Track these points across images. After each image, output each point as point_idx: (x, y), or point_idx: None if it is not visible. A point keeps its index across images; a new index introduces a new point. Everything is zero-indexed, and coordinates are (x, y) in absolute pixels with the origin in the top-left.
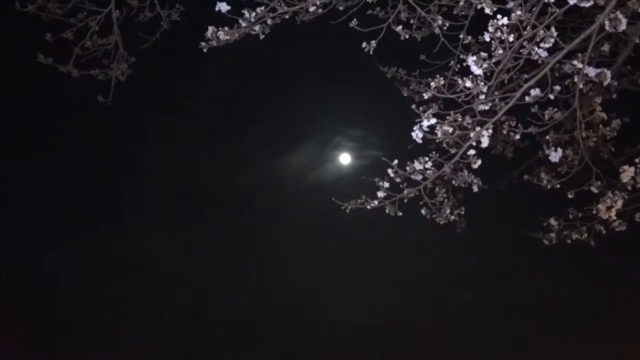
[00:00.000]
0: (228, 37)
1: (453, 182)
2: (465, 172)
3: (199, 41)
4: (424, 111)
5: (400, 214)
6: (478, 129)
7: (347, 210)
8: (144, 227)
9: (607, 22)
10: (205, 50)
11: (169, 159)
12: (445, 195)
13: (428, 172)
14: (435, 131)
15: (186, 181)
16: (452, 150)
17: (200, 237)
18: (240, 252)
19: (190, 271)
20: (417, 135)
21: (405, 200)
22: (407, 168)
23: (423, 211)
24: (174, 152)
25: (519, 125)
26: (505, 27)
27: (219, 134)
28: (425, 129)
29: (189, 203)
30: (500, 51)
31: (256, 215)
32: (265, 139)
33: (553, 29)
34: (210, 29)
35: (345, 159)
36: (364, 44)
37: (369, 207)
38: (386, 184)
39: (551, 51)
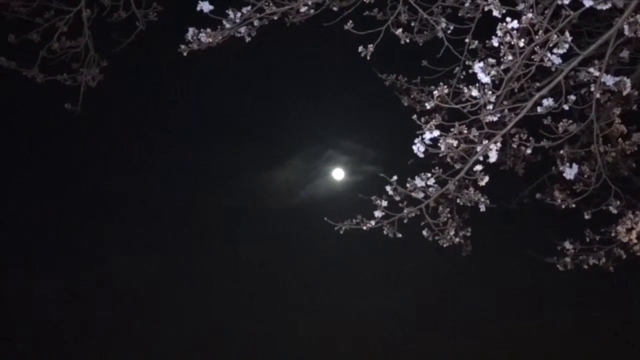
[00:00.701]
0: (210, 40)
1: (458, 200)
2: (472, 189)
3: (178, 44)
4: (426, 122)
5: (400, 235)
6: (485, 142)
7: (341, 232)
8: (117, 249)
9: (626, 27)
10: (185, 53)
11: (143, 174)
12: (449, 215)
13: (430, 189)
14: (439, 144)
15: (161, 200)
16: (457, 166)
17: (178, 261)
18: (222, 278)
19: (170, 296)
20: (418, 148)
21: (405, 221)
22: (408, 185)
23: (425, 232)
24: (147, 167)
25: (531, 138)
26: (515, 31)
27: (197, 147)
28: (427, 142)
29: (165, 224)
30: (510, 57)
31: (239, 237)
32: (250, 152)
33: (567, 34)
34: (191, 30)
35: (338, 174)
36: (360, 48)
37: (365, 227)
38: (384, 203)
39: (565, 57)
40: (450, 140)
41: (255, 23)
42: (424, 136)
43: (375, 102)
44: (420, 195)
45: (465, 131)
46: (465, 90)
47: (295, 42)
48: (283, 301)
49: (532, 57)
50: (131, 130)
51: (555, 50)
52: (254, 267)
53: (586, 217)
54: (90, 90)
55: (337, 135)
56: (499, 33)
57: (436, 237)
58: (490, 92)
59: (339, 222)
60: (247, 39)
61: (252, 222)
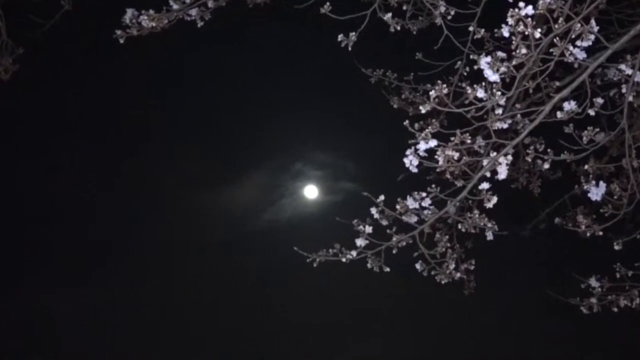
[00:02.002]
0: (154, 24)
1: (459, 226)
2: (476, 213)
3: (114, 28)
4: (421, 129)
5: (388, 269)
6: (493, 154)
7: (315, 264)
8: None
9: None
10: (122, 40)
11: (62, 189)
12: (448, 244)
13: (425, 212)
14: (436, 157)
15: (82, 224)
16: (459, 183)
17: (113, 302)
18: (162, 324)
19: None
20: (411, 162)
21: (395, 251)
22: (398, 207)
23: (418, 266)
24: (71, 181)
25: (548, 150)
26: (530, 19)
27: (129, 157)
28: (422, 153)
29: (91, 255)
30: (524, 50)
31: (186, 269)
32: (198, 165)
33: (593, 22)
34: (130, 12)
35: (310, 192)
36: (340, 37)
37: (344, 259)
38: (368, 229)
39: (591, 51)
40: (450, 152)
41: (210, 4)
42: (417, 146)
43: (357, 104)
44: (413, 219)
45: (469, 141)
46: (469, 90)
47: (260, 31)
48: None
49: (551, 50)
50: (53, 137)
51: (578, 43)
52: (199, 315)
53: (616, 247)
54: (1, 84)
55: (308, 144)
56: (511, 21)
57: (432, 272)
58: (499, 93)
59: (312, 253)
60: (200, 24)
61: (197, 254)
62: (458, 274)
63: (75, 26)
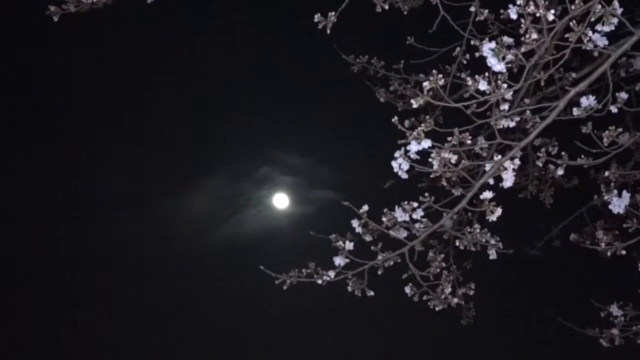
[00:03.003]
0: None
1: (457, 243)
2: (477, 227)
3: (47, 4)
4: (412, 127)
5: (372, 293)
6: (498, 157)
7: (285, 287)
8: None
9: None
10: (55, 18)
11: None
12: (444, 263)
13: (417, 225)
14: (430, 160)
15: (22, 234)
16: (457, 192)
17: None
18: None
19: None
20: (400, 166)
21: (380, 272)
22: (384, 219)
23: (408, 290)
24: (8, 188)
25: (563, 153)
26: None
27: (64, 163)
28: (413, 156)
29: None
30: (534, 36)
31: (127, 293)
32: (145, 172)
33: (616, 4)
34: None
35: (280, 202)
36: (316, 17)
37: (320, 281)
38: (349, 245)
39: (614, 38)
40: (446, 155)
41: None
42: (408, 148)
43: (335, 97)
44: (403, 234)
45: (469, 141)
46: (469, 82)
47: (219, 10)
48: None
49: (566, 35)
50: None
51: (599, 27)
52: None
53: None
54: None
55: (276, 145)
56: (519, 1)
57: (424, 297)
58: (505, 86)
59: (282, 274)
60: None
61: (140, 276)
62: (455, 300)
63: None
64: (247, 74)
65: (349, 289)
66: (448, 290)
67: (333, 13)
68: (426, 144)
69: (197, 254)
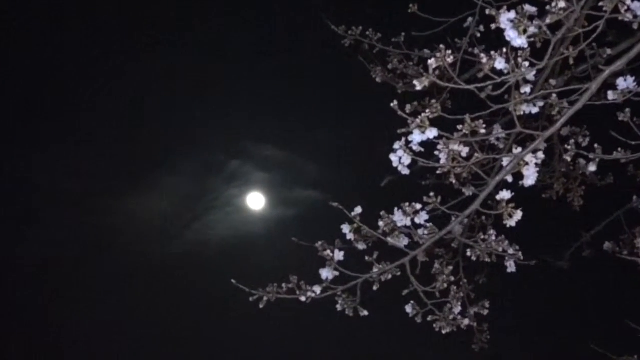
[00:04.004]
0: None
1: (468, 252)
2: (492, 233)
3: None
4: (415, 114)
5: (366, 313)
6: (517, 150)
7: (261, 304)
8: None
9: None
10: None
11: None
12: (452, 277)
13: (421, 232)
14: (436, 153)
15: None
16: (468, 192)
17: None
18: None
19: None
20: (400, 159)
21: (376, 287)
22: (381, 224)
23: (410, 309)
24: None
25: (595, 145)
26: None
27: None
28: (416, 147)
29: None
30: (562, 4)
31: (77, 310)
32: (89, 166)
33: None
34: None
35: (255, 202)
36: None
37: (304, 298)
38: (339, 255)
39: None
40: (456, 146)
41: None
42: (410, 138)
43: (321, 77)
44: (403, 242)
45: (483, 131)
46: (484, 59)
47: None
48: None
49: (600, 4)
50: None
51: None
52: None
53: None
54: None
55: (249, 135)
56: None
57: (429, 317)
58: (526, 64)
59: (258, 289)
60: None
61: (89, 288)
62: (466, 321)
63: None
64: (214, 51)
65: (339, 307)
66: (457, 309)
67: None
68: (431, 133)
69: (153, 265)
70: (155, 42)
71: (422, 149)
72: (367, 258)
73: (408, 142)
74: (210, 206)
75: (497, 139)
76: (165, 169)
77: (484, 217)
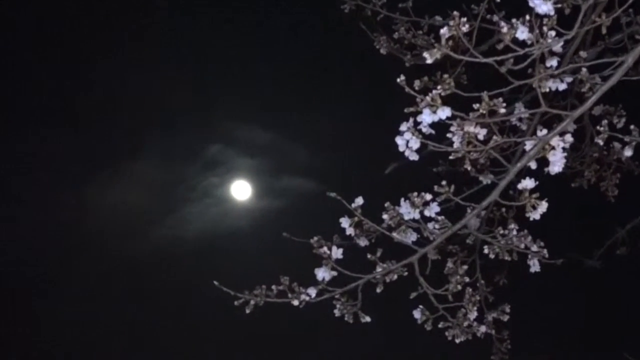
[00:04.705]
0: None
1: (485, 250)
2: (513, 227)
3: None
4: (425, 90)
5: (368, 319)
6: (542, 132)
7: (248, 309)
8: None
9: None
10: None
11: None
12: (467, 278)
13: (431, 226)
14: (450, 135)
15: None
16: (485, 180)
17: None
18: None
19: None
20: (407, 144)
21: (380, 290)
22: (385, 217)
23: (418, 314)
24: None
25: (632, 127)
26: None
27: None
28: (426, 129)
29: None
30: None
31: (24, 317)
32: (49, 152)
33: None
34: None
35: (239, 192)
36: None
37: (297, 302)
38: (337, 252)
39: None
40: (472, 128)
41: None
42: (419, 118)
43: (314, 48)
44: (411, 237)
45: (503, 110)
46: (504, 28)
47: None
48: None
49: None
50: None
51: None
52: None
53: None
54: None
55: (232, 115)
56: None
57: (441, 324)
58: (552, 34)
59: (244, 291)
60: None
61: (49, 290)
62: (483, 328)
63: None
64: (191, 18)
65: (337, 312)
66: (473, 315)
67: None
68: (444, 113)
69: (119, 267)
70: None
71: (433, 131)
72: (369, 256)
73: (417, 123)
74: (186, 197)
75: (519, 120)
76: (133, 155)
77: (503, 209)
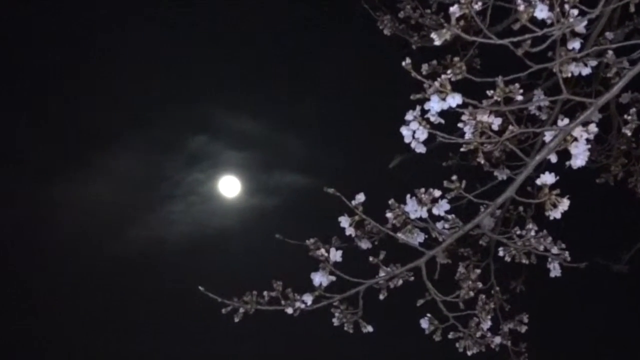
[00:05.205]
0: None
1: (500, 252)
2: (532, 228)
3: None
4: (433, 76)
5: (370, 329)
6: (563, 122)
7: (237, 318)
8: None
9: None
10: None
11: None
12: (480, 284)
13: (440, 225)
14: (461, 125)
15: None
16: (501, 175)
17: None
18: None
19: None
20: (414, 134)
21: (383, 296)
22: (389, 215)
23: (425, 323)
24: None
25: None
26: None
27: None
28: (434, 118)
29: None
30: None
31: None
32: (10, 145)
33: None
34: None
35: (228, 188)
36: None
37: (291, 310)
38: (335, 255)
39: None
40: (485, 117)
41: None
42: (427, 106)
43: (309, 30)
44: (418, 238)
45: (520, 97)
46: (521, 6)
47: None
48: None
49: None
50: None
51: None
52: None
53: None
54: None
55: (218, 102)
56: None
57: (451, 334)
58: (575, 12)
59: (232, 298)
60: None
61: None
62: (497, 340)
63: None
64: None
65: (335, 321)
66: (487, 324)
67: None
68: (454, 100)
69: (94, 271)
70: None
71: (442, 121)
72: (371, 259)
73: (424, 112)
74: (168, 195)
75: (538, 108)
76: (110, 149)
77: (521, 207)
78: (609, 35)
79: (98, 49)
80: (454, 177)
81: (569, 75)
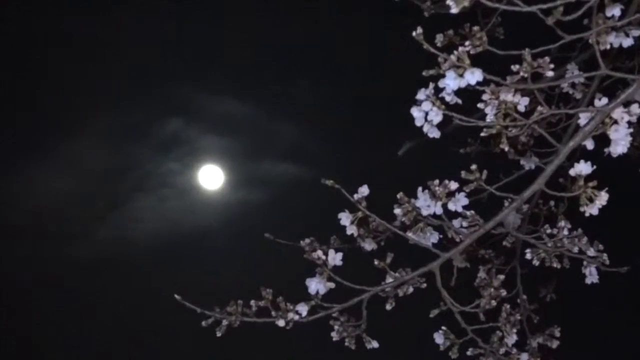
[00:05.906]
0: None
1: (528, 255)
2: (564, 226)
3: None
4: (449, 48)
5: (376, 345)
6: (601, 102)
7: (219, 332)
8: None
9: None
10: None
11: None
12: (504, 291)
13: (458, 224)
14: (481, 105)
15: None
16: (528, 164)
17: None
18: None
19: None
20: (426, 116)
21: (390, 306)
22: (397, 211)
23: (440, 338)
24: None
25: None
26: None
27: None
28: (450, 98)
29: None
30: None
31: None
32: None
33: None
34: None
35: (209, 179)
36: None
37: (283, 322)
38: (335, 258)
39: None
40: (509, 97)
41: None
42: (441, 84)
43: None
44: (431, 239)
45: (550, 73)
46: None
47: None
48: None
49: None
50: None
51: None
52: None
53: None
54: None
55: (196, 81)
56: None
57: (471, 351)
58: None
59: (214, 308)
60: None
61: None
62: (524, 357)
63: None
64: None
65: (335, 336)
66: (512, 339)
67: None
68: (474, 77)
69: (50, 276)
70: None
71: (459, 101)
72: (376, 263)
73: (438, 90)
74: (137, 187)
75: (572, 86)
76: (67, 134)
77: (551, 202)
78: None
79: (59, 21)
80: (474, 167)
81: (608, 47)
